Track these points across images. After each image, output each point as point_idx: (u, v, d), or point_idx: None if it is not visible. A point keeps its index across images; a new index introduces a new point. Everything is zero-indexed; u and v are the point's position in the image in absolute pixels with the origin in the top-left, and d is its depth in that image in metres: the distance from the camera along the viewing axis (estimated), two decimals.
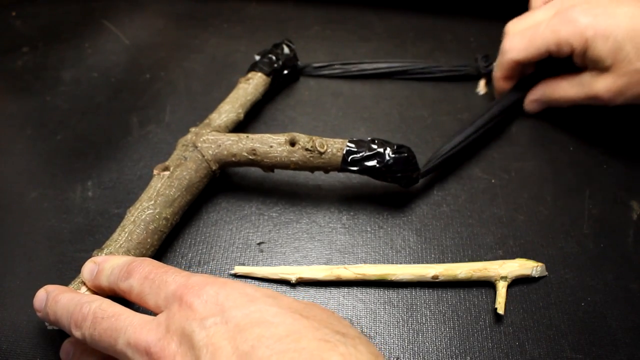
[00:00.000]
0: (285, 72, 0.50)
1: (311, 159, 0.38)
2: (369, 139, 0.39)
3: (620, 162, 0.45)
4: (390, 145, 0.38)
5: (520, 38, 0.44)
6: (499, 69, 0.47)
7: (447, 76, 0.52)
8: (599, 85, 0.41)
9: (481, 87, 0.51)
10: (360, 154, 0.38)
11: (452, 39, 0.56)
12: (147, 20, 0.59)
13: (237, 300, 0.26)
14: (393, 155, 0.38)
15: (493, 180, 0.44)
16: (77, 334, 0.28)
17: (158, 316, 0.27)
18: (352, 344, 0.24)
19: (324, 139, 0.38)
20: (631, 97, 0.41)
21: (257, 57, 0.50)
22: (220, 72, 0.53)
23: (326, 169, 0.39)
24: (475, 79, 0.52)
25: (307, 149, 0.38)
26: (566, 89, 0.44)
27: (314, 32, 0.57)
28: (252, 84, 0.46)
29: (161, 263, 0.30)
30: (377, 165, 0.38)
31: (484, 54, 0.52)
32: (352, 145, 0.38)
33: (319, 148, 0.37)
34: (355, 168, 0.38)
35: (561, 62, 0.45)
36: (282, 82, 0.50)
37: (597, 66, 0.41)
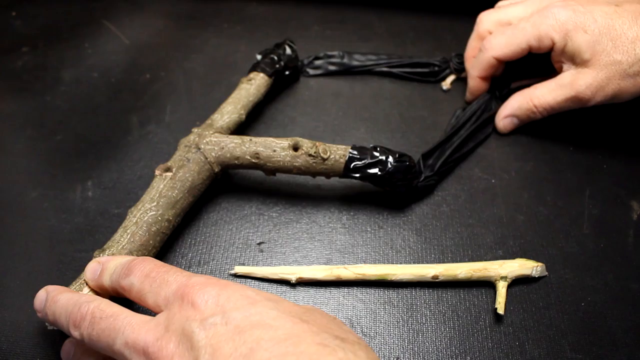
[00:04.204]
0: (287, 72, 0.49)
1: (314, 164, 0.38)
2: (371, 146, 0.39)
3: (620, 162, 0.45)
4: (392, 153, 0.38)
5: (501, 36, 0.45)
6: (477, 68, 0.47)
7: (419, 71, 0.52)
8: (579, 82, 0.42)
9: (447, 83, 0.52)
10: (363, 161, 0.38)
11: (452, 39, 0.56)
12: (147, 20, 0.59)
13: (237, 302, 0.25)
14: (395, 164, 0.38)
15: (493, 180, 0.44)
16: (75, 334, 0.28)
17: (157, 316, 0.27)
18: (351, 350, 0.24)
19: (327, 145, 0.38)
20: (611, 92, 0.41)
21: (259, 57, 0.50)
22: (220, 72, 0.53)
23: (328, 174, 0.39)
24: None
25: (310, 155, 0.38)
26: (544, 94, 0.44)
27: (314, 32, 0.57)
28: (254, 85, 0.46)
29: (163, 262, 0.30)
30: (379, 173, 0.38)
31: (458, 52, 0.52)
32: (355, 152, 0.38)
33: (322, 154, 0.37)
34: (357, 175, 0.38)
35: (534, 61, 0.45)
36: (283, 82, 0.50)
37: (576, 60, 0.42)
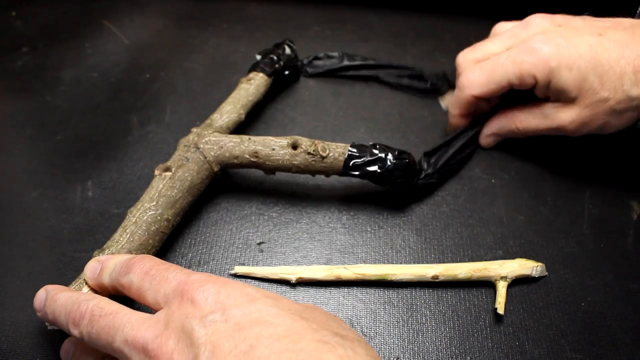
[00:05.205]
0: (287, 72, 0.50)
1: (313, 162, 0.38)
2: (370, 144, 0.39)
3: (621, 162, 0.45)
4: (392, 150, 0.38)
5: (480, 72, 0.42)
6: (456, 106, 0.44)
7: (415, 86, 0.51)
8: (563, 116, 0.40)
9: (446, 101, 0.50)
10: (362, 159, 0.38)
11: (452, 39, 0.56)
12: (147, 20, 0.59)
13: (237, 300, 0.26)
14: (394, 161, 0.38)
15: (493, 180, 0.44)
16: (74, 332, 0.28)
17: (157, 313, 0.27)
18: (350, 347, 0.24)
19: (326, 143, 0.38)
20: (595, 127, 0.40)
21: (258, 57, 0.50)
22: (220, 72, 0.53)
23: (327, 172, 0.39)
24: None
25: (309, 153, 0.38)
26: (527, 119, 0.42)
27: (314, 32, 0.57)
28: (254, 85, 0.46)
29: (162, 260, 0.30)
30: (379, 171, 0.38)
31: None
32: (354, 150, 0.38)
33: (321, 152, 0.37)
34: (356, 173, 0.38)
35: (520, 95, 0.43)
36: (283, 82, 0.50)
37: (562, 98, 0.40)
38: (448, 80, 0.50)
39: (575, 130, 0.40)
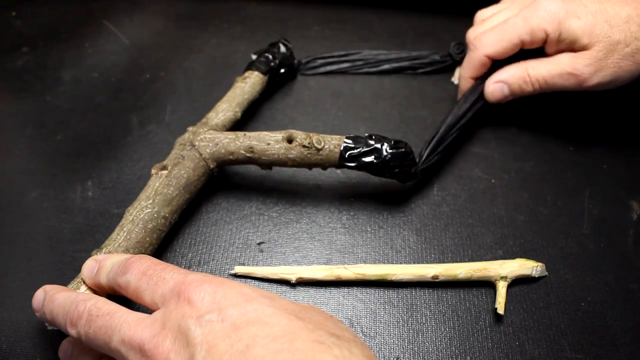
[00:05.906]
0: (282, 70, 0.50)
1: (309, 155, 0.38)
2: (366, 134, 0.39)
3: (620, 162, 0.45)
4: (388, 140, 0.38)
5: (491, 32, 0.44)
6: (468, 68, 0.46)
7: (421, 63, 0.52)
8: (579, 61, 0.41)
9: (456, 77, 0.51)
10: (358, 150, 0.38)
11: (452, 39, 0.56)
12: (147, 20, 0.59)
13: (234, 299, 0.26)
14: (390, 151, 0.38)
15: (493, 180, 0.44)
16: (72, 332, 0.28)
17: (154, 313, 0.27)
18: (346, 347, 0.24)
19: (321, 135, 0.38)
20: (610, 73, 0.41)
21: (254, 57, 0.50)
22: (220, 72, 0.53)
23: (324, 165, 0.39)
24: (450, 69, 0.52)
25: (304, 146, 0.38)
26: (539, 66, 0.43)
27: (314, 32, 0.57)
28: (249, 83, 0.46)
29: (159, 260, 0.30)
30: (375, 161, 0.38)
31: (457, 41, 0.52)
32: (350, 141, 0.38)
33: (316, 144, 0.37)
34: (352, 164, 0.38)
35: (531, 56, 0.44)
36: (280, 80, 0.50)
37: (575, 46, 0.41)
38: (452, 55, 0.52)
39: (590, 75, 0.41)
